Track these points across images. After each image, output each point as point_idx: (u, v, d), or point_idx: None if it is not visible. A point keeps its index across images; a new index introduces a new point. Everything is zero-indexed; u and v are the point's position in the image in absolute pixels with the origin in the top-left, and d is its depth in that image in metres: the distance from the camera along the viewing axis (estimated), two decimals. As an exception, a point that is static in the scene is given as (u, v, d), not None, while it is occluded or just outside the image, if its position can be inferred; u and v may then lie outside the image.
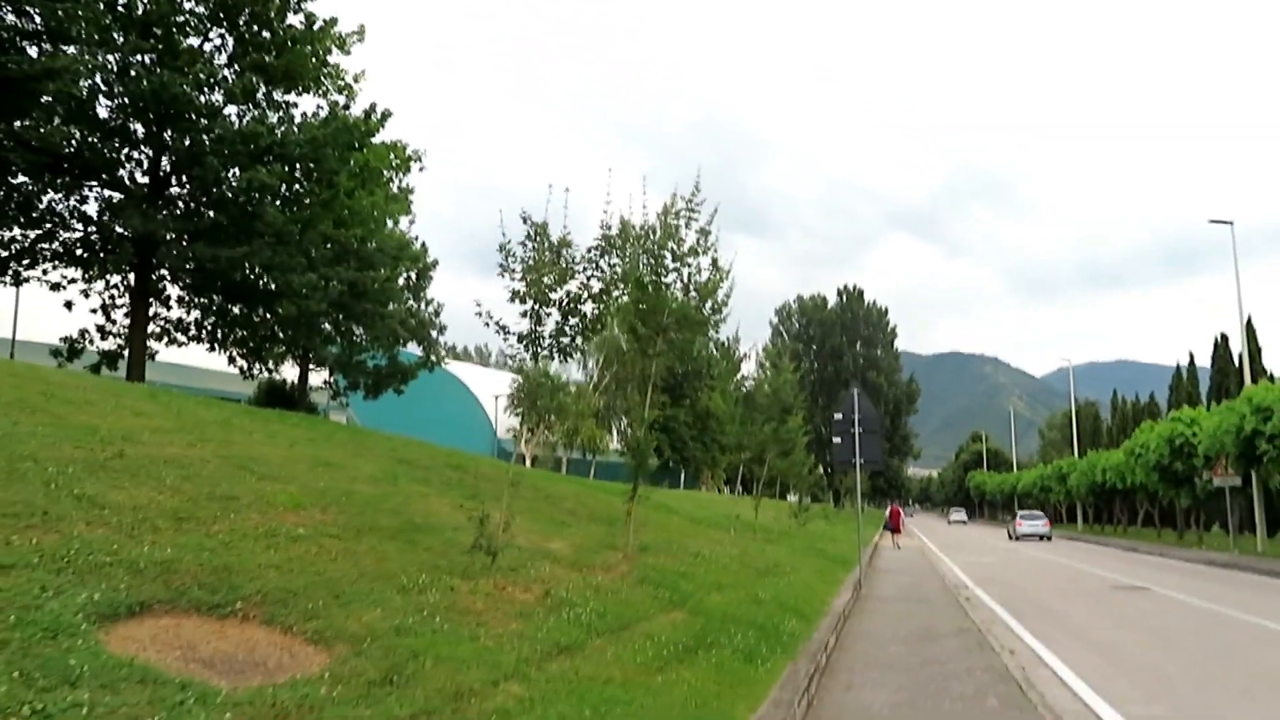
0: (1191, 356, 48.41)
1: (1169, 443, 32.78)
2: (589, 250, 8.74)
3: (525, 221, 8.43)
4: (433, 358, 28.50)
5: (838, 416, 17.03)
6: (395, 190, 23.38)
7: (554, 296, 8.66)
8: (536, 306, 8.48)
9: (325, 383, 28.12)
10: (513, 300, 8.34)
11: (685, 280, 11.00)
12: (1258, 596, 16.66)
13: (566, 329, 8.93)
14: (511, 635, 6.09)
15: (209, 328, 19.77)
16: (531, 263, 8.44)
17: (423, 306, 28.50)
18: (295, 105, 18.60)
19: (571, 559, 9.38)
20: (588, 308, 9.01)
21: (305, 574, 6.05)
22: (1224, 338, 43.53)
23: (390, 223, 25.05)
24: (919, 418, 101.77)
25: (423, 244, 28.24)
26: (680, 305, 10.86)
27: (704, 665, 6.78)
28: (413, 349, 28.82)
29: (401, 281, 27.68)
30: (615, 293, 9.33)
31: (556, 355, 8.96)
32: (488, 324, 8.12)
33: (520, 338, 8.61)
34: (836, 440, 16.96)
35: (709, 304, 10.99)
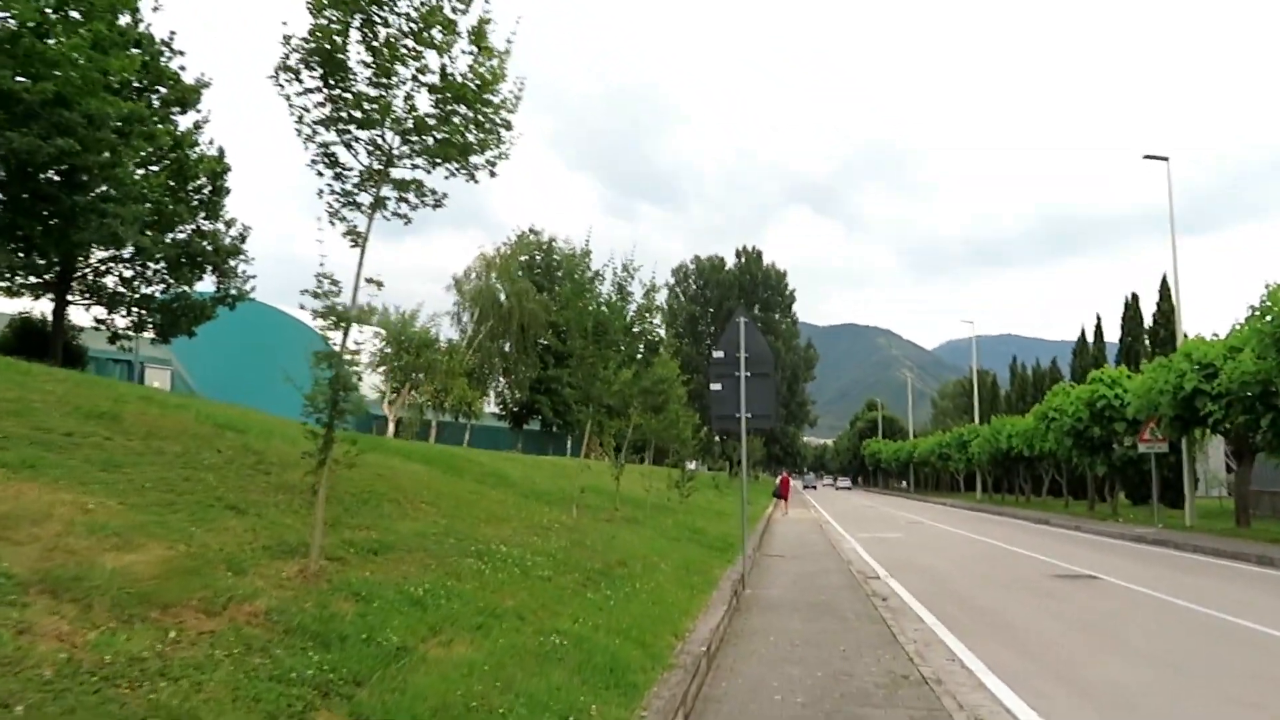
0: (1099, 319, 46.22)
1: (1089, 405, 29.72)
2: None
3: None
4: (231, 292, 22.87)
5: (718, 354, 12.46)
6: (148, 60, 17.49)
7: None
8: None
9: (99, 322, 22.37)
10: None
11: (441, 73, 6.13)
12: (1234, 588, 13.10)
13: None
14: None
15: None
16: None
17: (221, 227, 22.71)
18: None
19: (145, 589, 4.49)
20: None
21: None
22: (1134, 298, 41.13)
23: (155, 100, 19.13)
24: (815, 386, 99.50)
25: (219, 149, 22.22)
26: (418, 120, 6.03)
27: None
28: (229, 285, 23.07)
29: (198, 200, 22.14)
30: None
31: None
32: None
33: None
34: (716, 387, 12.40)
35: (474, 114, 6.13)
